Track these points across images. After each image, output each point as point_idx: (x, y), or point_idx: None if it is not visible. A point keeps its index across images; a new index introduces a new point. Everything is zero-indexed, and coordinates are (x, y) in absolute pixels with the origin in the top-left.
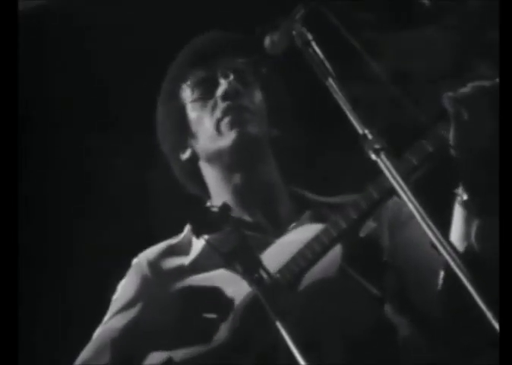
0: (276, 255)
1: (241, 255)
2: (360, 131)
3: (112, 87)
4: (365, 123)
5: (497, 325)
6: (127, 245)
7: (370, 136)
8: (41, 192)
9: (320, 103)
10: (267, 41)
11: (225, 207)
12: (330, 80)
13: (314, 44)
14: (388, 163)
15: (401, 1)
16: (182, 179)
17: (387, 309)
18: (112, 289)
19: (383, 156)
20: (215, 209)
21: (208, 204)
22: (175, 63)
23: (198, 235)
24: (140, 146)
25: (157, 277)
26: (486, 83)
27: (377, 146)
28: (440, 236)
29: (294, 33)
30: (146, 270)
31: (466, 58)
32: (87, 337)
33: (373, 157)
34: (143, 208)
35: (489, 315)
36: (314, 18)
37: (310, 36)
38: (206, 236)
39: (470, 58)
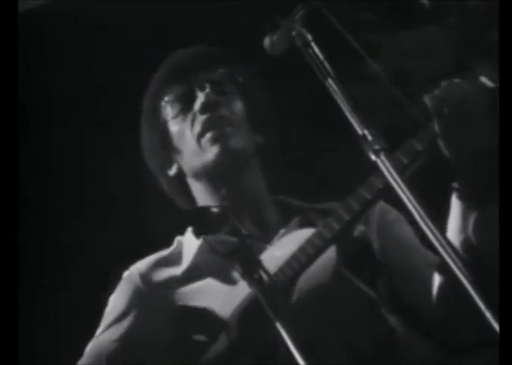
0: (269, 261)
1: (241, 256)
2: (360, 131)
3: (112, 87)
4: (365, 124)
5: (495, 323)
6: (126, 246)
7: (369, 137)
8: (41, 191)
9: (320, 103)
10: (267, 42)
11: (225, 207)
12: (330, 81)
13: (313, 45)
14: (388, 164)
15: (401, 1)
16: (171, 194)
17: (383, 309)
18: (112, 289)
19: (382, 156)
20: (215, 209)
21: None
22: (154, 79)
23: (198, 235)
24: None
25: (150, 289)
26: (464, 80)
27: (376, 146)
28: (440, 237)
29: (294, 33)
30: (138, 281)
31: (466, 58)
32: (87, 337)
33: (373, 157)
34: (142, 208)
35: (487, 312)
36: (314, 18)
37: (310, 37)
38: (205, 237)
39: (470, 58)
